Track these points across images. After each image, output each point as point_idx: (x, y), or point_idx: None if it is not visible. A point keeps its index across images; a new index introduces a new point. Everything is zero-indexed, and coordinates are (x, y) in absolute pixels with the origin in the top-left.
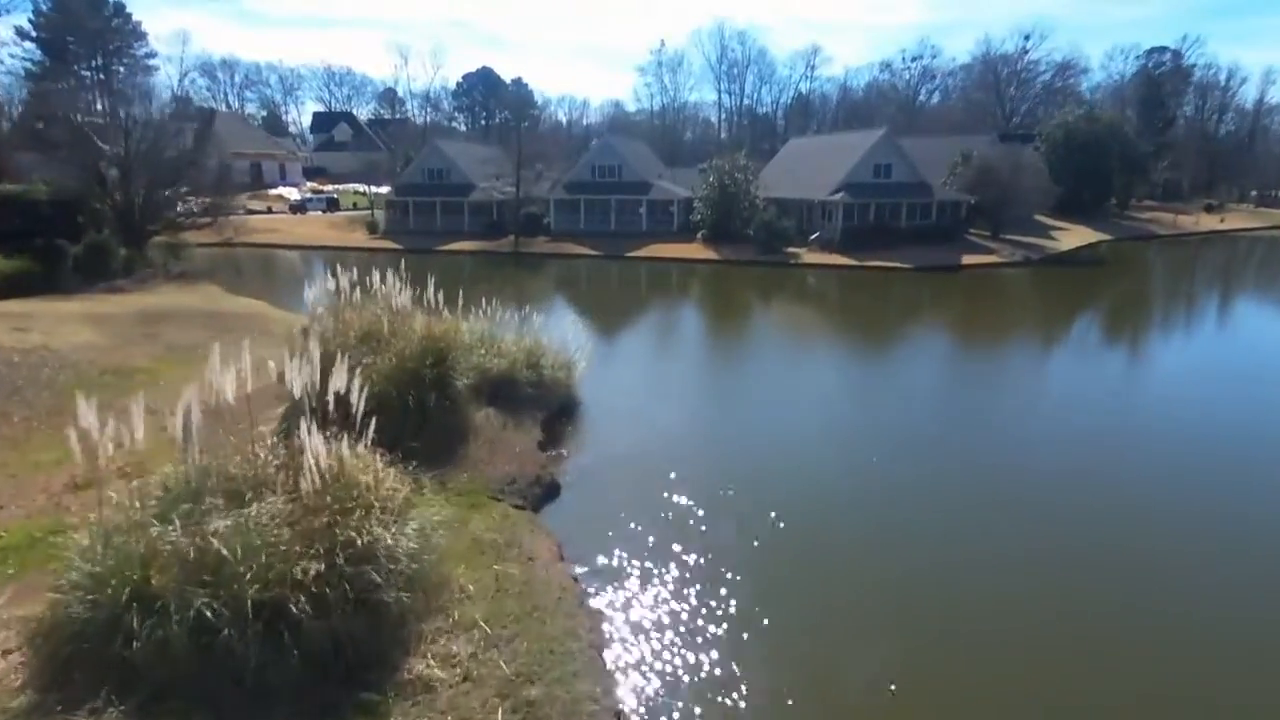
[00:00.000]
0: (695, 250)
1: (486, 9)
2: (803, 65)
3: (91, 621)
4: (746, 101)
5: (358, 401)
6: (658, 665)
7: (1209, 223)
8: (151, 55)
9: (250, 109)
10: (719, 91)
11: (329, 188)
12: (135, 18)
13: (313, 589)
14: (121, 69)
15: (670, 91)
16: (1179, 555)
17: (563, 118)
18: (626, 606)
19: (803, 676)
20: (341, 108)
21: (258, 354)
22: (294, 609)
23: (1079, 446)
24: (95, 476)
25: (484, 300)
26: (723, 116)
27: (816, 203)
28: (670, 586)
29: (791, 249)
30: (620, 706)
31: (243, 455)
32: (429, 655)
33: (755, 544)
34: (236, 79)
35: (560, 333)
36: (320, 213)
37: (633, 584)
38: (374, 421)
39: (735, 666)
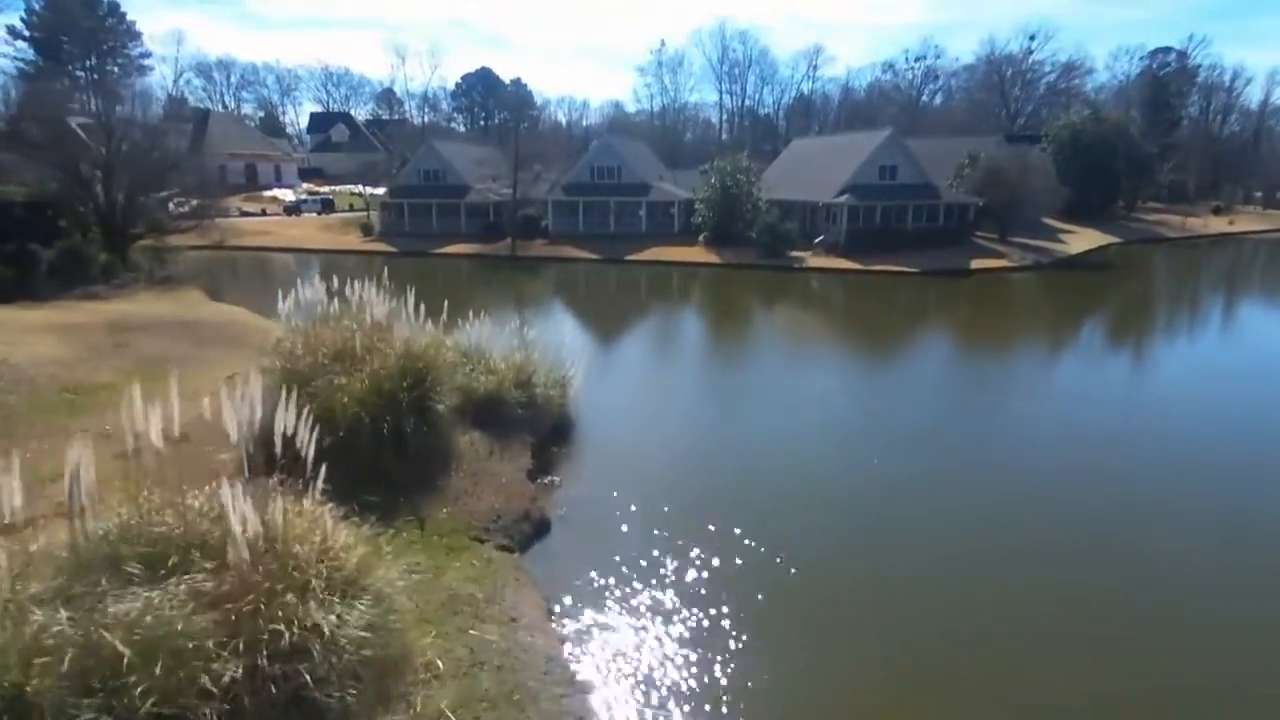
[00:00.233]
0: (696, 253)
1: (486, 9)
2: (804, 65)
3: None
4: (748, 102)
5: (307, 445)
6: None
7: (1218, 225)
8: (146, 55)
9: (247, 110)
10: (720, 92)
11: (325, 189)
12: (130, 18)
13: (229, 697)
14: (116, 69)
15: (670, 92)
16: (1180, 549)
17: (562, 118)
18: (623, 676)
19: None
20: (339, 108)
21: (221, 373)
22: None
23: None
24: None
25: (474, 309)
26: (724, 117)
27: (820, 205)
28: (672, 646)
29: (795, 252)
30: None
31: (173, 509)
32: None
33: (760, 598)
34: (233, 79)
35: (555, 344)
36: (315, 215)
37: (627, 642)
38: (336, 459)
39: None
